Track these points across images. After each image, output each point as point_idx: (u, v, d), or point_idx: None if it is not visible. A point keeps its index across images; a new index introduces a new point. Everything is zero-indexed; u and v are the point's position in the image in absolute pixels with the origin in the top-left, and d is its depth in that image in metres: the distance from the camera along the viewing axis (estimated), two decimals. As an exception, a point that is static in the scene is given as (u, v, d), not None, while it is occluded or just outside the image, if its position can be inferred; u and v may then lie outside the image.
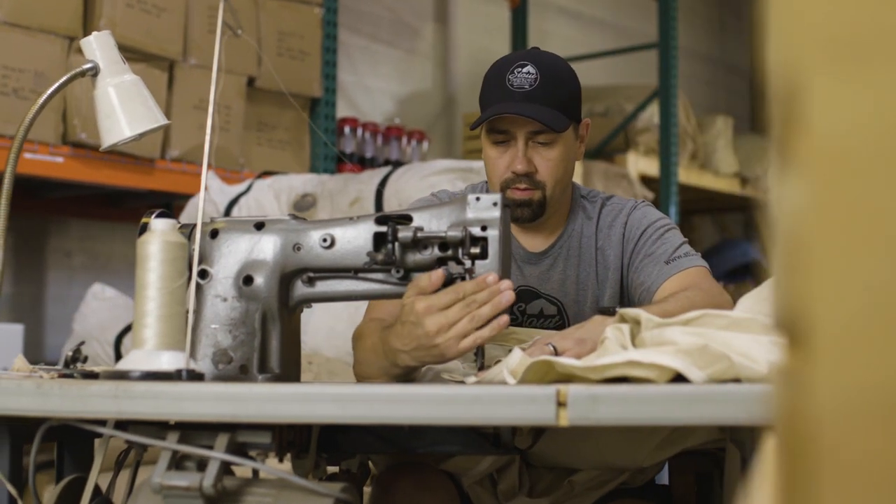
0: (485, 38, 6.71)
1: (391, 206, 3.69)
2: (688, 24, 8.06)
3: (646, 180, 6.31)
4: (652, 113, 6.39)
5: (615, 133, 6.27)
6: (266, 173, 4.41)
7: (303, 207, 3.89)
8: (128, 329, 3.82)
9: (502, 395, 1.32)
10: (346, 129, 5.13)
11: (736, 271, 7.35)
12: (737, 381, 1.35)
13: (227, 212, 3.98)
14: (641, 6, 7.47)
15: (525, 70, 2.00)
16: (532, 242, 2.12)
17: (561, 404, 1.28)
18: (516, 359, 1.49)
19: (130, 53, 3.50)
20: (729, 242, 7.97)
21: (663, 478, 2.22)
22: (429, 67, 6.45)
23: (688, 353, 1.37)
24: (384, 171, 3.95)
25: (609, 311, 1.72)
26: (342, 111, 5.45)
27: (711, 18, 8.90)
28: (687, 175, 6.68)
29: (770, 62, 0.46)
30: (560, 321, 2.08)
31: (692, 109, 6.90)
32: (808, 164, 0.39)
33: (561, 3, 7.26)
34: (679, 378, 1.35)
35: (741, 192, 7.40)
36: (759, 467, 0.65)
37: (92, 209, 4.82)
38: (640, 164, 6.32)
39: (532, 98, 1.98)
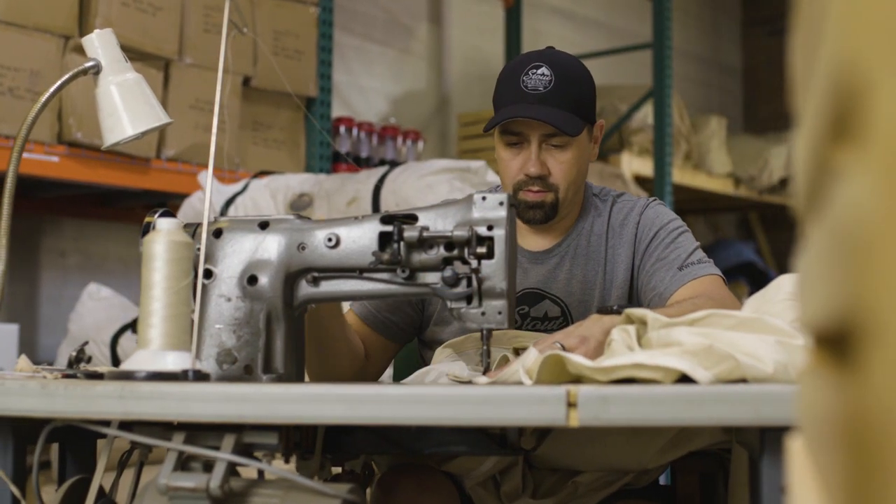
0: (479, 38, 6.71)
1: (389, 205, 3.69)
2: (680, 24, 8.06)
3: (640, 180, 6.32)
4: (646, 113, 6.40)
5: (609, 133, 6.28)
6: (262, 173, 4.40)
7: (299, 207, 3.88)
8: (124, 329, 3.80)
9: (512, 396, 1.32)
10: (342, 129, 5.12)
11: (729, 272, 7.36)
12: (743, 381, 1.35)
13: (224, 211, 3.96)
14: (635, 6, 7.48)
15: (540, 71, 1.98)
16: (540, 242, 2.11)
17: (571, 405, 1.28)
18: (532, 358, 1.49)
19: (126, 52, 3.50)
20: (722, 242, 7.99)
21: (666, 477, 2.21)
22: (423, 67, 6.44)
23: (693, 353, 1.37)
24: (381, 170, 3.94)
25: (608, 310, 1.71)
26: (336, 111, 5.44)
27: (704, 19, 8.91)
28: (681, 175, 6.68)
29: (827, 58, 0.45)
30: (564, 322, 2.06)
31: (686, 110, 6.91)
32: (875, 162, 0.38)
33: (555, 3, 7.26)
34: (686, 378, 1.35)
35: (734, 193, 7.42)
36: (793, 470, 0.65)
37: (86, 209, 4.80)
38: (635, 164, 6.33)
39: (546, 100, 1.97)
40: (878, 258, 0.38)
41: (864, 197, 0.39)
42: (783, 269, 8.08)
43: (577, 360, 1.40)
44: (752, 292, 7.52)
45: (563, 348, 1.60)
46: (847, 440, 0.41)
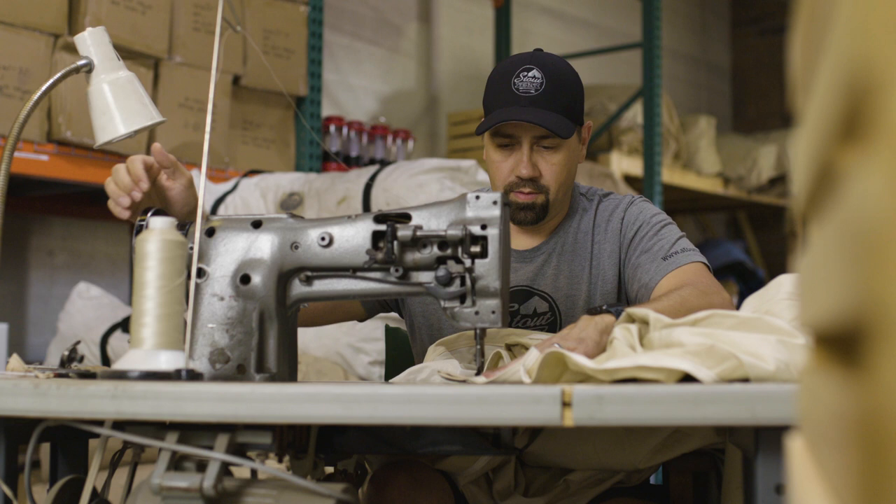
0: (468, 37, 6.70)
1: (379, 204, 3.68)
2: (670, 24, 8.08)
3: (629, 180, 6.32)
4: (635, 112, 6.40)
5: (599, 133, 6.29)
6: (252, 172, 4.39)
7: (289, 206, 3.88)
8: (113, 329, 3.79)
9: (507, 396, 1.31)
10: (332, 128, 5.11)
11: (718, 271, 7.38)
12: (745, 380, 1.35)
13: (214, 210, 3.95)
14: (624, 6, 7.48)
15: (531, 74, 1.99)
16: (527, 241, 2.13)
17: (566, 404, 1.27)
18: (533, 358, 1.49)
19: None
20: (711, 242, 7.99)
21: (656, 477, 2.21)
22: (412, 66, 6.43)
23: (695, 354, 1.37)
24: (372, 169, 3.93)
25: (597, 310, 1.72)
26: (325, 110, 5.42)
27: (693, 18, 8.92)
28: (670, 175, 6.69)
29: (836, 57, 0.45)
30: (552, 318, 2.08)
31: (675, 109, 6.92)
32: (889, 161, 0.38)
33: (544, 2, 7.26)
34: (688, 378, 1.35)
35: (723, 192, 7.43)
36: (793, 469, 0.65)
37: (75, 207, 4.78)
38: (624, 163, 6.34)
39: (538, 103, 1.98)
40: (891, 257, 0.37)
41: (877, 196, 0.39)
42: (772, 268, 8.10)
43: (579, 359, 1.40)
44: (741, 291, 7.52)
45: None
46: (857, 440, 0.41)
